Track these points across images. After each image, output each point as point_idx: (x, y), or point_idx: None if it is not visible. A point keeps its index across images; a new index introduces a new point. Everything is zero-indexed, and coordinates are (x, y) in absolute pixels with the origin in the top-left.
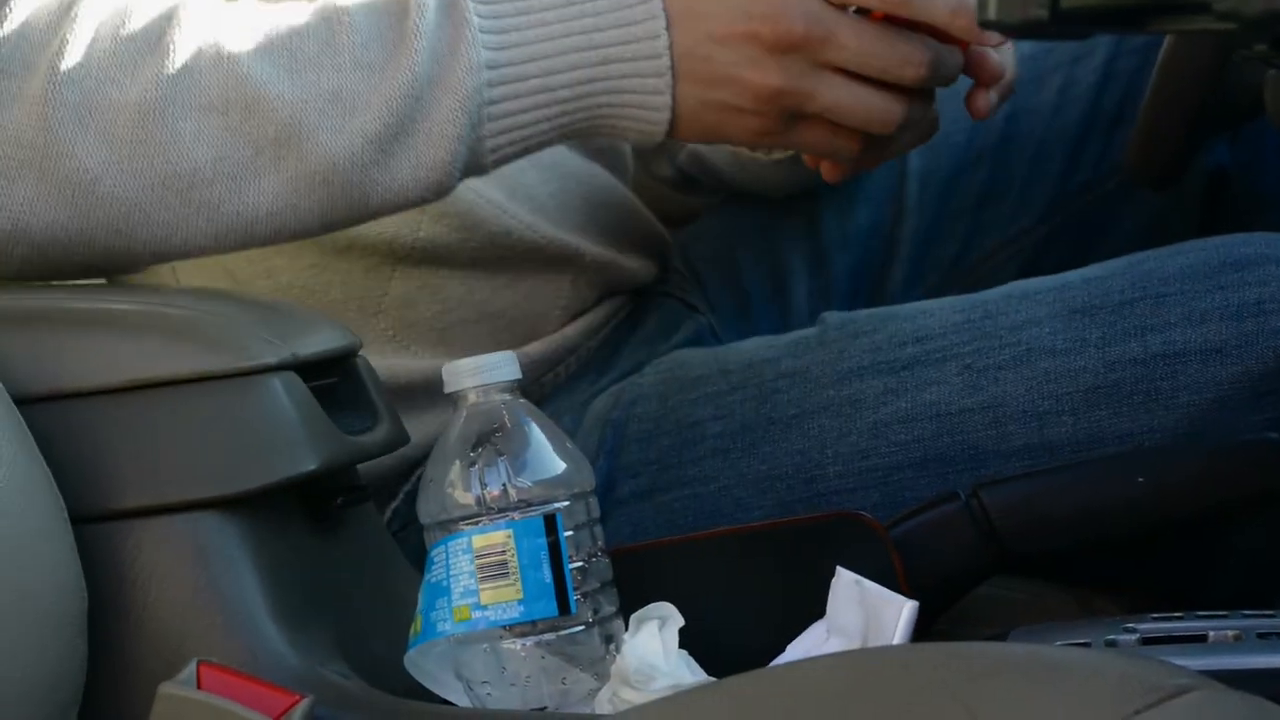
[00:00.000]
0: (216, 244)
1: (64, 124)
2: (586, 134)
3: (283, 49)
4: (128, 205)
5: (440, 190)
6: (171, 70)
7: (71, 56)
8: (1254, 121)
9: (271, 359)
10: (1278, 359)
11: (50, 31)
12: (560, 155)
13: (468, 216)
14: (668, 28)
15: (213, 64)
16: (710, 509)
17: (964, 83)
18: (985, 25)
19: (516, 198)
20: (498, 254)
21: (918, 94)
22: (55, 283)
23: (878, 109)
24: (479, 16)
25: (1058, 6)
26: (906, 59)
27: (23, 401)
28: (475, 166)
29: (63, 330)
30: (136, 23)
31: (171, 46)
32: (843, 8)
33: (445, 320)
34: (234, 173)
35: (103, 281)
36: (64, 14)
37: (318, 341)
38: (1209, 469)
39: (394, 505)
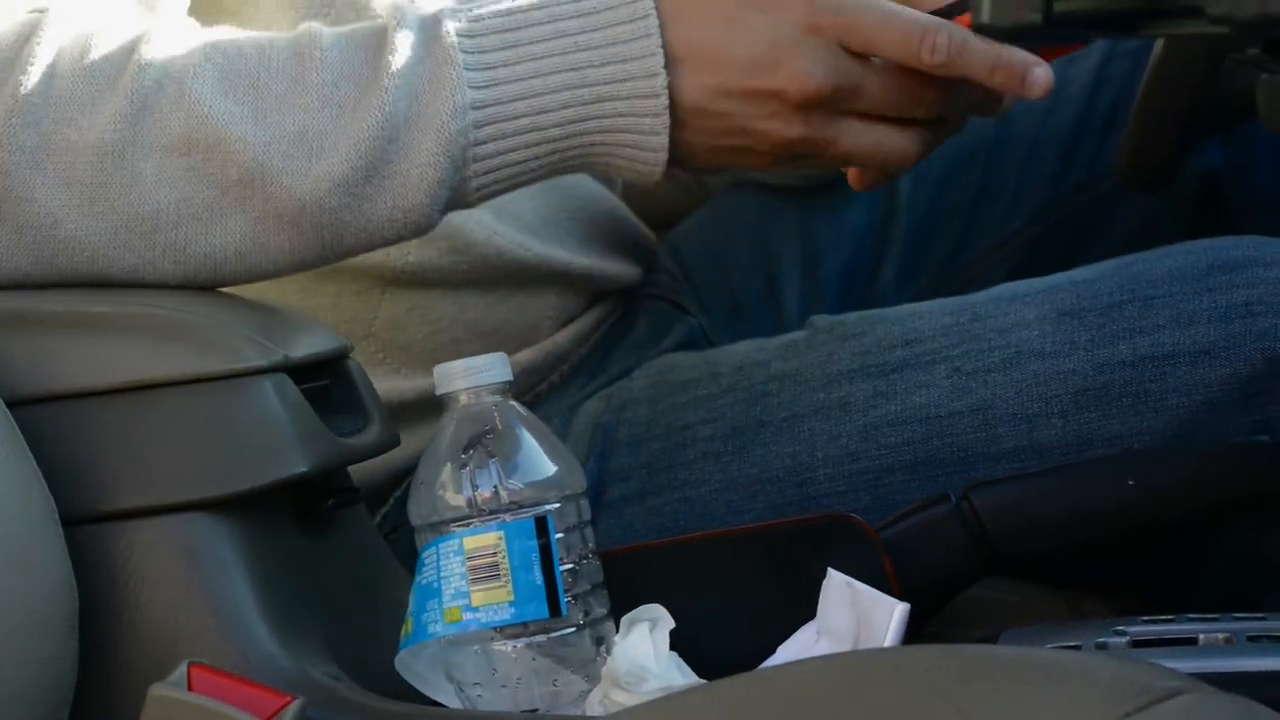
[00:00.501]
0: (186, 282)
1: (21, 167)
2: (578, 169)
3: (248, 87)
4: (91, 249)
5: (419, 230)
6: (130, 110)
7: (28, 97)
8: (1246, 124)
9: (263, 361)
10: (1266, 361)
11: (5, 70)
12: None
13: (457, 239)
14: (668, 67)
15: (174, 103)
16: (701, 512)
17: None
18: (979, 29)
19: (504, 217)
20: (488, 274)
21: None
22: None
23: (896, 149)
24: (464, 52)
25: (1051, 11)
26: (921, 99)
27: (14, 403)
28: (458, 204)
29: (54, 332)
30: (95, 56)
31: (131, 85)
32: (864, 56)
33: (436, 341)
34: (198, 214)
35: None
36: (18, 52)
37: (309, 343)
38: (1198, 472)
39: (384, 510)
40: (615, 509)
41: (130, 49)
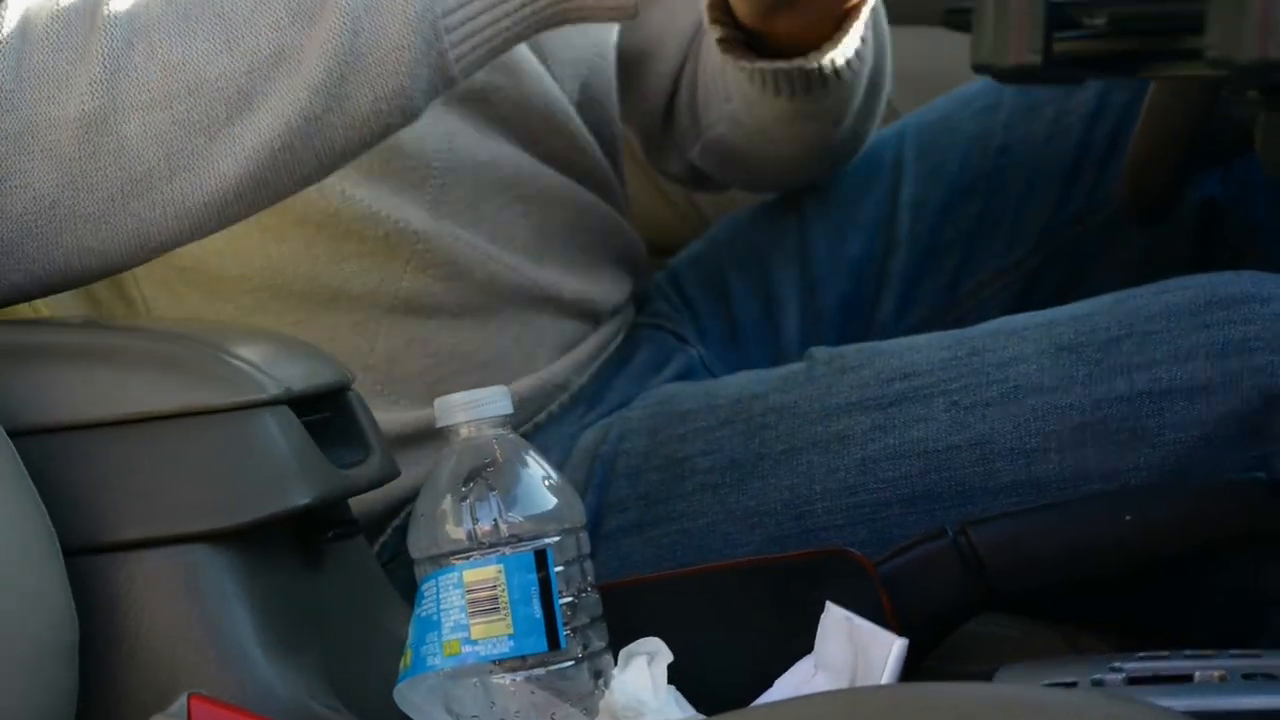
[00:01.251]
0: (194, 234)
1: (9, 155)
2: (557, 23)
3: (214, 17)
4: (92, 221)
5: (407, 115)
6: (105, 75)
7: (1, 83)
8: (1244, 156)
9: (265, 394)
10: (1262, 397)
11: None
12: (543, 183)
13: (452, 265)
14: None
15: (146, 57)
16: (699, 544)
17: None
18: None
19: (499, 240)
20: (483, 300)
21: None
22: (49, 314)
23: None
24: None
25: (1051, 52)
26: None
27: (17, 433)
28: (443, 82)
29: (58, 364)
30: (60, 26)
31: (101, 49)
32: None
33: (435, 374)
34: (191, 164)
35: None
36: None
37: (311, 376)
38: (1196, 509)
39: (382, 540)
40: (613, 540)
41: (93, 11)
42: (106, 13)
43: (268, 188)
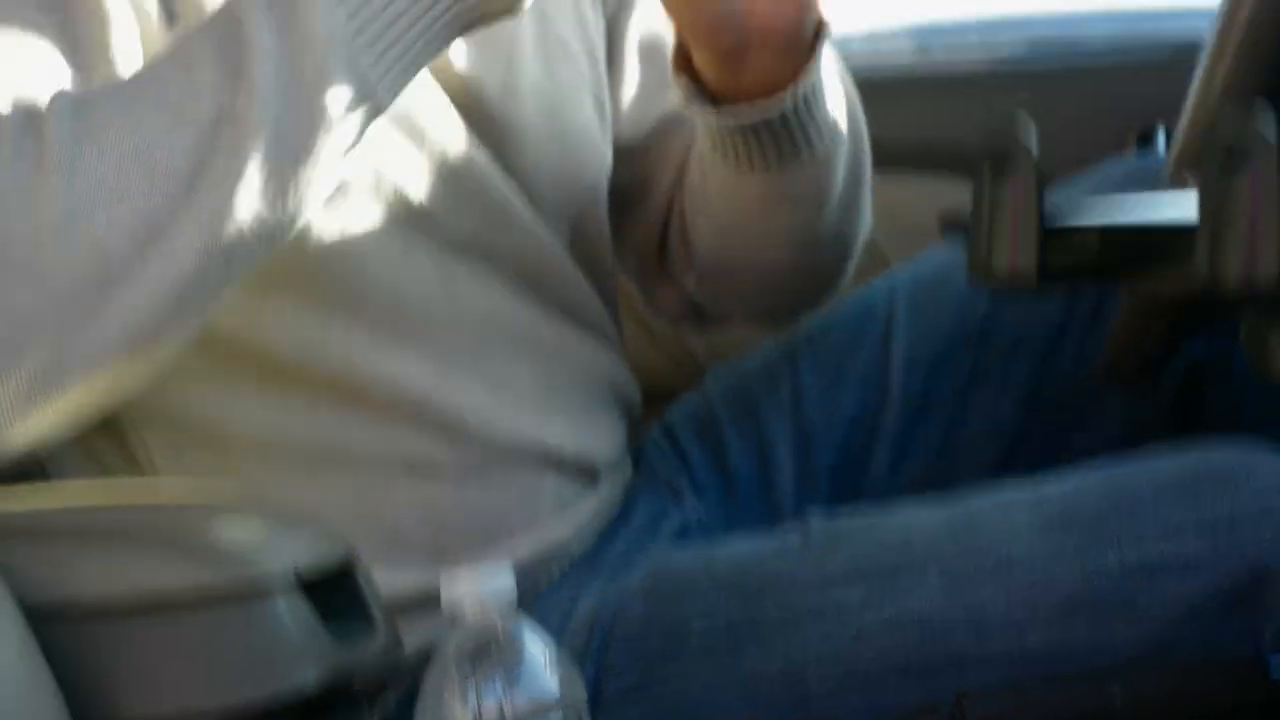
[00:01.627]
0: (180, 311)
1: None
2: (470, 26)
3: (153, 98)
4: (77, 331)
5: (346, 143)
6: (64, 177)
7: None
8: (1228, 324)
9: (273, 576)
10: (1249, 572)
11: None
12: (544, 332)
13: (454, 425)
14: None
15: (98, 156)
16: (694, 710)
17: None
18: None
19: (501, 395)
20: (486, 460)
21: None
22: (60, 488)
23: None
24: None
25: (1045, 265)
26: None
27: (30, 613)
28: (371, 106)
29: (70, 543)
30: (8, 149)
31: (54, 158)
32: None
33: (438, 538)
34: (160, 247)
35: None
36: None
37: (318, 555)
38: (1183, 683)
39: (384, 713)
40: (611, 706)
41: (38, 124)
42: (52, 120)
43: (239, 250)
